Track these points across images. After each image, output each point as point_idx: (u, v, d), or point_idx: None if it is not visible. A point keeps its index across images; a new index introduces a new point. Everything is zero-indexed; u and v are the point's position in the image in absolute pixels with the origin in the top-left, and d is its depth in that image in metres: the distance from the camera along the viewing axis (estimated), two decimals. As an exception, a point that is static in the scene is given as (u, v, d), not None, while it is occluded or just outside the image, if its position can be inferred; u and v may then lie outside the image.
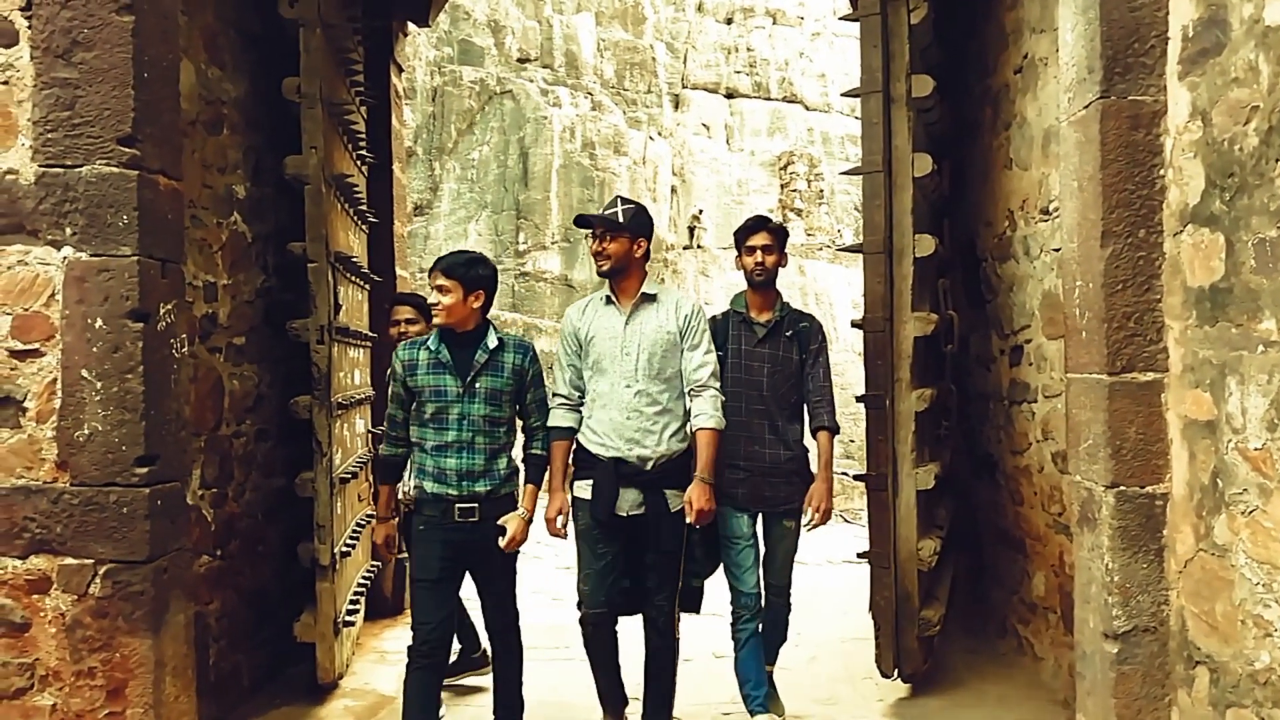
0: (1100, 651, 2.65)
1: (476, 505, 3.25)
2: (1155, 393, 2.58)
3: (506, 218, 15.44)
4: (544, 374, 3.48)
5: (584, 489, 3.41)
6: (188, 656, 3.13)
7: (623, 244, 3.38)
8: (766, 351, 3.76)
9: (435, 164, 15.64)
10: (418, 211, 15.11)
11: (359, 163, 4.95)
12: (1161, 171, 2.57)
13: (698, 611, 3.61)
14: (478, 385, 3.25)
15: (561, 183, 15.60)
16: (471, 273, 3.24)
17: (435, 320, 3.29)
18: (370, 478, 4.94)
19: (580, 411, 3.47)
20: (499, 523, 3.26)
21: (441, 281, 3.21)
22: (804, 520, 3.78)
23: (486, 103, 15.88)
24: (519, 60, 16.76)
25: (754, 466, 3.71)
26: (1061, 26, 2.83)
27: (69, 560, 2.93)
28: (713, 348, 3.48)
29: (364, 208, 4.90)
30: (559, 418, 3.46)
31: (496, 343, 3.29)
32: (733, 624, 3.74)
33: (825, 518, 3.74)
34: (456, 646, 4.36)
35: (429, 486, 3.26)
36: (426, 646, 3.24)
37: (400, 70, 5.98)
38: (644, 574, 3.46)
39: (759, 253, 3.75)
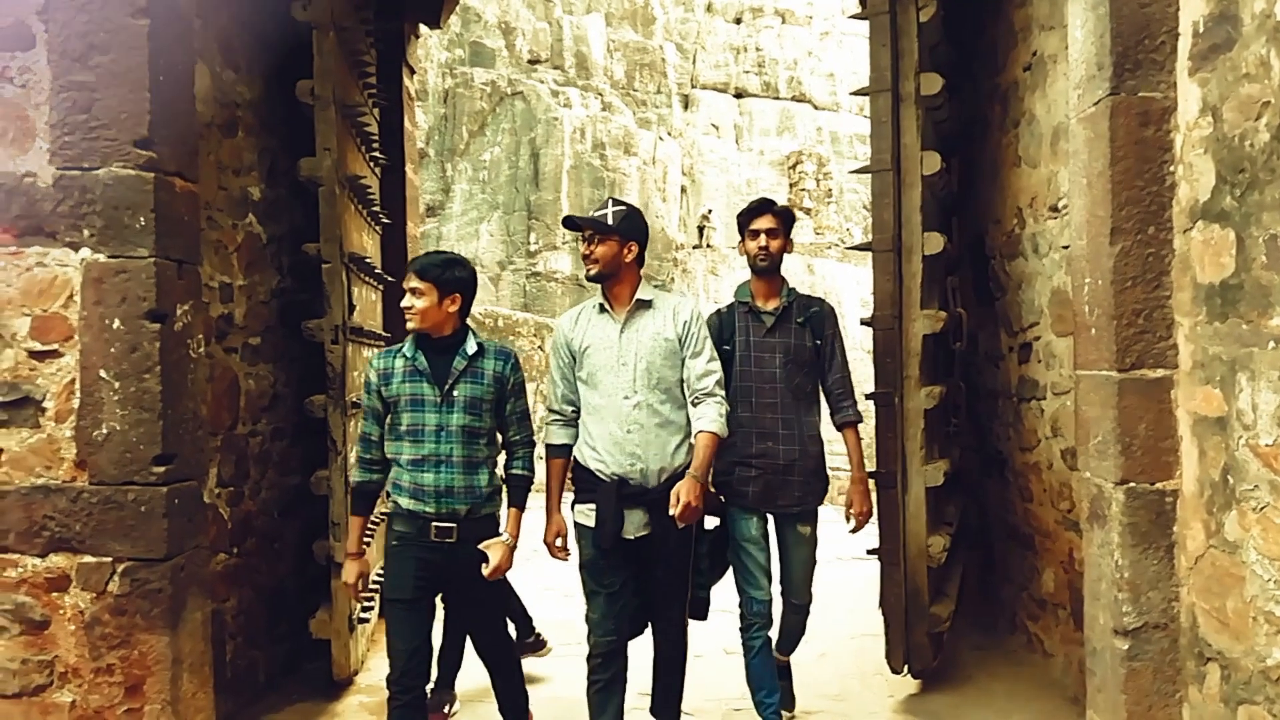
0: (1110, 648, 2.65)
1: (454, 525, 3.02)
2: (1165, 389, 2.58)
3: (518, 218, 15.49)
4: (525, 383, 3.27)
5: (585, 515, 3.20)
6: (205, 653, 3.16)
7: (611, 247, 3.17)
8: (777, 341, 3.57)
9: (447, 165, 15.70)
10: (430, 212, 15.16)
11: (372, 164, 4.98)
12: (1171, 168, 2.58)
13: (704, 619, 3.44)
14: (456, 393, 3.02)
15: (572, 183, 15.64)
16: (447, 274, 3.03)
17: (409, 325, 3.06)
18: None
19: (577, 426, 3.28)
20: (481, 547, 3.04)
21: (415, 284, 3.00)
22: (849, 527, 3.69)
23: (497, 104, 15.93)
24: (530, 62, 16.80)
25: (767, 465, 3.52)
26: (1071, 23, 2.84)
27: (88, 558, 2.96)
28: (716, 355, 3.29)
29: (377, 209, 4.93)
30: (554, 435, 3.28)
31: (475, 348, 3.08)
32: (743, 631, 3.57)
33: (865, 520, 3.65)
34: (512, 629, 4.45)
35: (404, 502, 3.04)
36: (405, 680, 3.00)
37: (412, 72, 6.01)
38: (652, 592, 3.28)
39: (763, 236, 3.58)
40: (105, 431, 2.92)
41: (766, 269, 3.61)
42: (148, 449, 2.92)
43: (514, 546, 3.10)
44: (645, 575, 3.25)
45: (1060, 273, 3.96)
